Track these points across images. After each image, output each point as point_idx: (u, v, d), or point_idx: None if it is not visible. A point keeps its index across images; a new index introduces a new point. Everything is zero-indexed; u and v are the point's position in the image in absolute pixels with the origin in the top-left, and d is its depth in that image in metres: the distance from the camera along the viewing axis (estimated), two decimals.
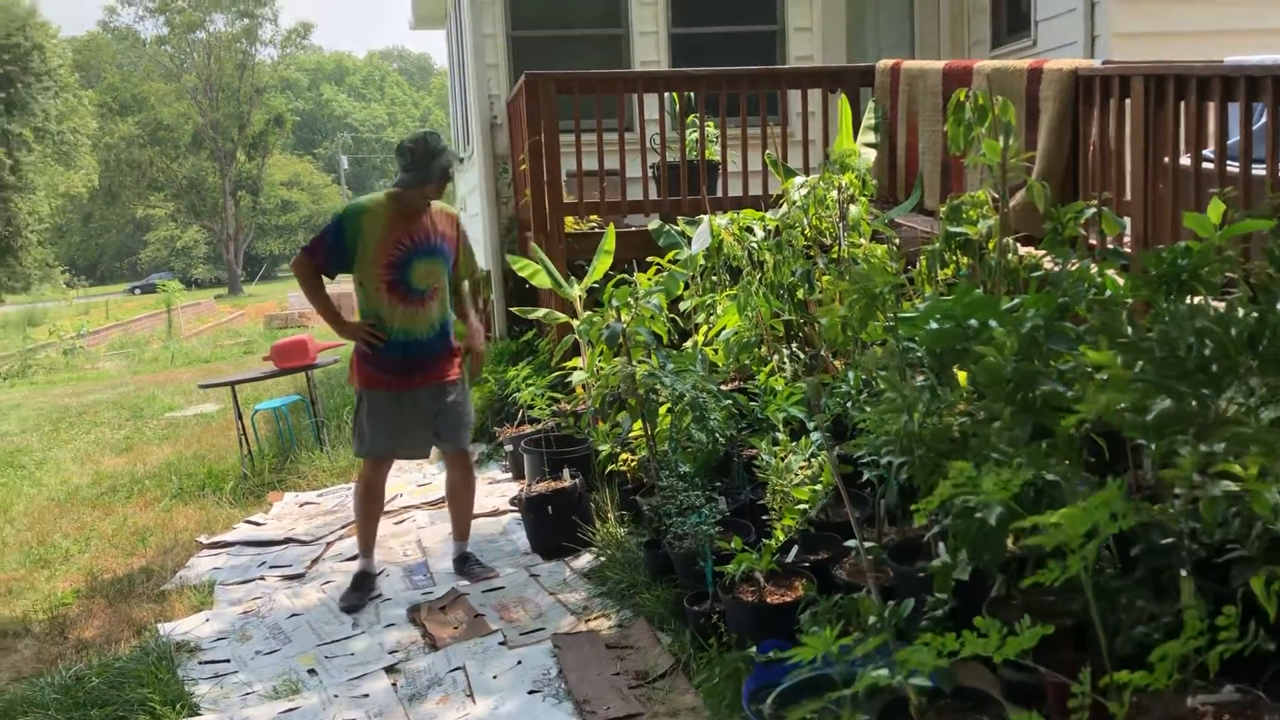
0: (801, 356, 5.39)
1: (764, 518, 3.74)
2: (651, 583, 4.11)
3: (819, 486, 3.53)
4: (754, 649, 3.11)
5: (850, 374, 3.88)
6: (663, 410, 4.35)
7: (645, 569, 4.21)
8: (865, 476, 3.27)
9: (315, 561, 5.13)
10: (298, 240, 51.39)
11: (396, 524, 5.61)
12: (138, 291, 49.39)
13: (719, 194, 7.04)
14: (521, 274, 6.43)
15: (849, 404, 3.83)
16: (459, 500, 4.79)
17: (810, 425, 4.05)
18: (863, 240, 5.20)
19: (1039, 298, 3.00)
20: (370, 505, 4.68)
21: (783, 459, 3.68)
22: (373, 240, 4.35)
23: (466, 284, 4.75)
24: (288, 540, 5.45)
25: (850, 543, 2.99)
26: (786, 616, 3.41)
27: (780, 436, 3.84)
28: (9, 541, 6.17)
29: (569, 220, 7.04)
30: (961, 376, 3.09)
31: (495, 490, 5.96)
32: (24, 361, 20.20)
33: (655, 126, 7.13)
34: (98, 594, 4.97)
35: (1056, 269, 3.49)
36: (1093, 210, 4.08)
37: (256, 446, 7.50)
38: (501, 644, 3.92)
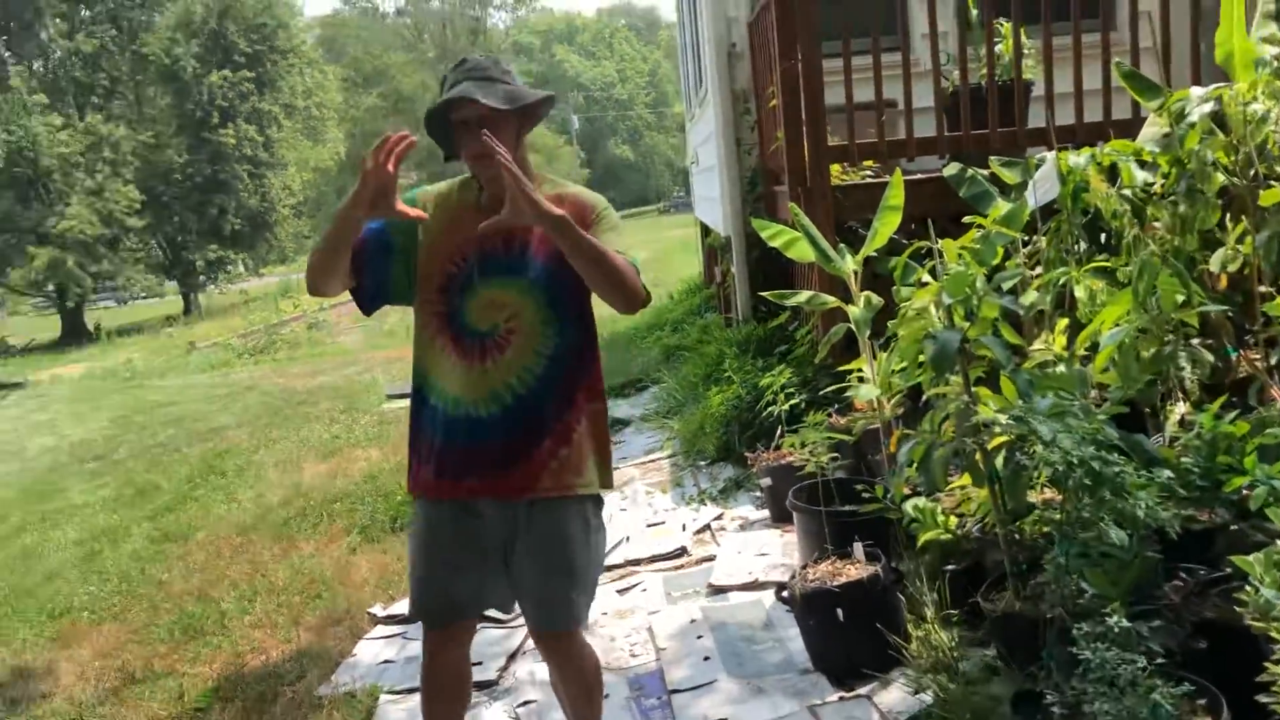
0: (1212, 360, 3.54)
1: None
2: None
3: None
4: None
5: None
6: (1037, 475, 2.64)
7: None
8: None
9: (513, 657, 3.76)
10: None
11: (620, 593, 4.18)
12: None
13: (1039, 125, 5.17)
14: (772, 243, 4.79)
15: None
16: (570, 698, 2.75)
17: None
18: None
19: None
20: (434, 700, 2.64)
21: None
22: (427, 250, 2.54)
23: None
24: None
25: None
26: None
27: None
28: (173, 588, 5.17)
29: (834, 169, 5.36)
30: None
31: (750, 543, 4.38)
32: (269, 337, 20.31)
33: (944, 41, 5.33)
34: (238, 695, 3.79)
35: None
36: None
37: None
38: None
